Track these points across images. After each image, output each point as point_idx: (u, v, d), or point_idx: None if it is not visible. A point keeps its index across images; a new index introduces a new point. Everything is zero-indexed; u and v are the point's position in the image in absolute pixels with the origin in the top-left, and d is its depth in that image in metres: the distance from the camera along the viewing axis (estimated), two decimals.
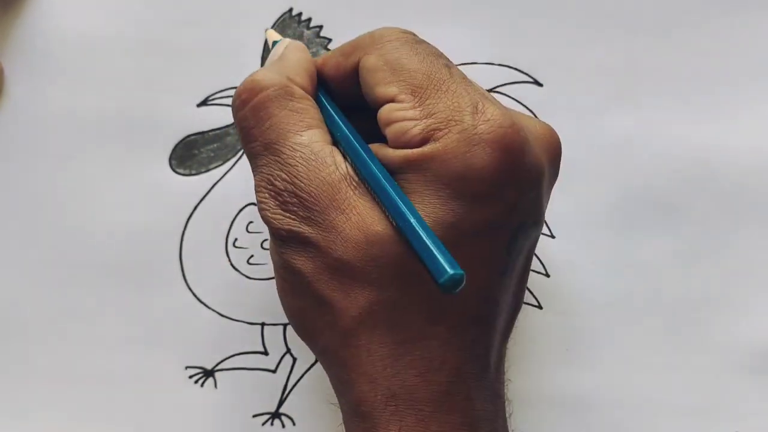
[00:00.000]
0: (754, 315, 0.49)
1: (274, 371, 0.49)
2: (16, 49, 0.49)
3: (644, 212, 0.49)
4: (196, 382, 0.49)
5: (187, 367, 0.49)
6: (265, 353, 0.49)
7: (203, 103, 0.49)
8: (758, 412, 0.49)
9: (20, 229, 0.49)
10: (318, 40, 0.49)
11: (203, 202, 0.49)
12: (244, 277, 0.49)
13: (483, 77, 0.49)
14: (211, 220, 0.49)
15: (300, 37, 0.49)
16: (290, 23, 0.49)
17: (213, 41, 0.49)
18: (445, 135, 0.37)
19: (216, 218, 0.49)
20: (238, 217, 0.49)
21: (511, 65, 0.49)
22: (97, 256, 0.49)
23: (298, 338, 0.49)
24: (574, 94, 0.49)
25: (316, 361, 0.49)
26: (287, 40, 0.44)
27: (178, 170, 0.49)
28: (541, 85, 0.49)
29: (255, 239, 0.49)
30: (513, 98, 0.49)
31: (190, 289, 0.49)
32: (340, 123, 0.40)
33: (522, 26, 0.49)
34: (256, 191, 0.40)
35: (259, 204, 0.40)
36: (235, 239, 0.49)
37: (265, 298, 0.49)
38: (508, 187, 0.37)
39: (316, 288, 0.38)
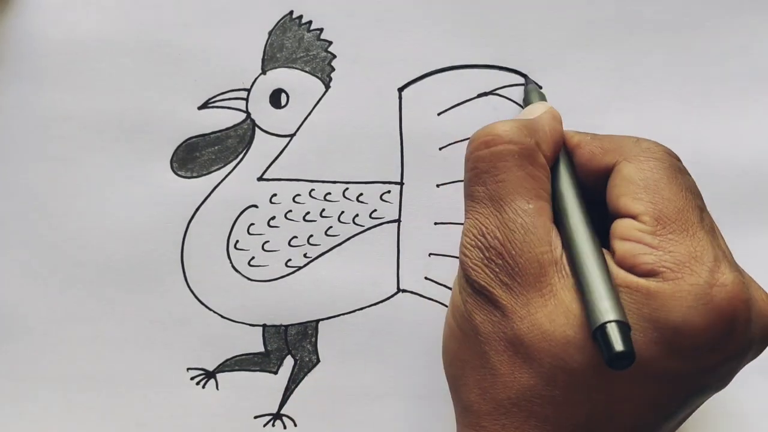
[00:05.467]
0: None
1: (275, 372, 0.49)
2: (17, 50, 0.49)
3: None
4: (197, 383, 0.49)
5: (188, 369, 0.49)
6: (267, 355, 0.49)
7: (204, 105, 0.49)
8: (765, 413, 0.49)
9: (22, 231, 0.49)
10: (318, 42, 0.49)
11: (204, 204, 0.49)
12: (245, 279, 0.49)
13: (482, 79, 0.49)
14: (212, 222, 0.49)
15: (300, 40, 0.49)
16: (291, 26, 0.49)
17: (214, 44, 0.49)
18: (676, 279, 0.36)
19: (217, 220, 0.49)
20: (240, 219, 0.49)
21: (510, 67, 0.49)
22: (98, 258, 0.49)
23: (299, 339, 0.49)
24: (572, 95, 0.49)
25: (317, 363, 0.49)
26: (547, 104, 0.45)
27: (179, 172, 0.49)
28: (540, 86, 0.49)
29: (256, 241, 0.49)
30: (512, 100, 0.49)
31: (191, 291, 0.49)
32: (577, 210, 0.40)
33: (521, 28, 0.49)
34: (464, 234, 0.40)
35: (462, 248, 0.40)
36: (237, 241, 0.49)
37: (266, 300, 0.49)
38: (712, 354, 0.37)
39: (485, 350, 0.38)
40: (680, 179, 0.39)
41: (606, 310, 0.35)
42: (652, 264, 0.37)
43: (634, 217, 0.38)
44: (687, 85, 0.50)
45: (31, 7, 0.49)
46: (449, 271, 0.49)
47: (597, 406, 0.37)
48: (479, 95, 0.49)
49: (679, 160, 0.41)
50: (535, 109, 0.44)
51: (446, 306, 0.49)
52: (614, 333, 0.35)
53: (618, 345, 0.34)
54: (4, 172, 0.49)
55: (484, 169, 0.40)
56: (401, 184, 0.49)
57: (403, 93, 0.49)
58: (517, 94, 0.49)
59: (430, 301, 0.49)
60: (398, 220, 0.49)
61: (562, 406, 0.37)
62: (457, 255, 0.49)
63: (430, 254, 0.49)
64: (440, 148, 0.49)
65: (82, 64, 0.49)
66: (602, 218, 0.40)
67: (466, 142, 0.49)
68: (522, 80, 0.49)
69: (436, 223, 0.49)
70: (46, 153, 0.49)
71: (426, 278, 0.49)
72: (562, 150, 0.42)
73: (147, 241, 0.49)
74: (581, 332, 0.36)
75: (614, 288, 0.36)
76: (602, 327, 0.35)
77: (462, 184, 0.49)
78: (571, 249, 0.38)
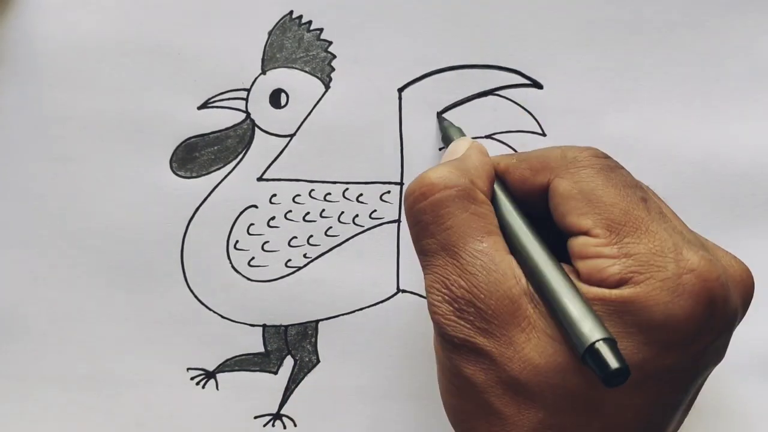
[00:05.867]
0: (756, 318, 0.49)
1: (275, 373, 0.49)
2: (17, 50, 0.49)
3: None
4: (197, 383, 0.49)
5: (188, 369, 0.49)
6: (267, 355, 0.49)
7: (204, 105, 0.49)
8: (763, 417, 0.49)
9: (22, 232, 0.49)
10: (318, 42, 0.49)
11: (204, 204, 0.49)
12: (245, 279, 0.49)
13: (482, 80, 0.49)
14: (212, 222, 0.49)
15: (300, 40, 0.49)
16: (290, 26, 0.49)
17: (213, 44, 0.49)
18: (645, 280, 0.36)
19: (217, 220, 0.49)
20: (239, 220, 0.49)
21: (511, 68, 0.49)
22: (98, 258, 0.49)
23: (299, 339, 0.49)
24: (573, 96, 0.49)
25: (317, 363, 0.49)
26: (469, 139, 0.44)
27: (179, 173, 0.49)
28: (541, 87, 0.49)
29: (256, 241, 0.49)
30: (513, 101, 0.49)
31: (191, 291, 0.49)
32: (529, 236, 0.39)
33: (520, 28, 0.49)
34: (428, 292, 0.39)
35: (431, 306, 0.39)
36: (236, 241, 0.49)
37: (266, 300, 0.49)
38: (701, 338, 0.37)
39: (486, 399, 0.38)
40: (614, 178, 0.39)
41: (588, 332, 0.35)
42: (619, 273, 0.37)
43: (585, 233, 0.38)
44: (687, 86, 0.50)
45: (31, 7, 0.49)
46: None
47: (606, 419, 0.37)
48: (479, 95, 0.49)
49: (607, 157, 0.40)
50: (459, 146, 0.44)
51: None
52: (605, 352, 0.35)
53: (612, 363, 0.34)
54: (4, 172, 0.49)
55: (429, 221, 0.39)
56: (401, 184, 0.49)
57: (403, 93, 0.49)
58: (517, 94, 0.49)
59: None
60: (398, 221, 0.49)
61: (573, 429, 0.37)
62: None
63: None
64: (440, 149, 0.49)
65: (82, 64, 0.49)
66: (554, 232, 0.40)
67: None
68: (522, 80, 0.49)
69: None
70: (46, 153, 0.49)
71: None
72: (496, 179, 0.42)
73: (147, 241, 0.49)
74: (570, 356, 0.36)
75: (589, 306, 0.36)
76: (590, 349, 0.35)
77: None
78: (535, 277, 0.38)
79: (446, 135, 0.48)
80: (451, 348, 0.38)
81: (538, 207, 0.41)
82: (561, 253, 0.39)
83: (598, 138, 0.49)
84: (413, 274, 0.49)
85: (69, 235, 0.49)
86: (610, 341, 0.35)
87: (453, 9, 0.49)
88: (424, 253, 0.40)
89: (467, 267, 0.38)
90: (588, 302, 0.36)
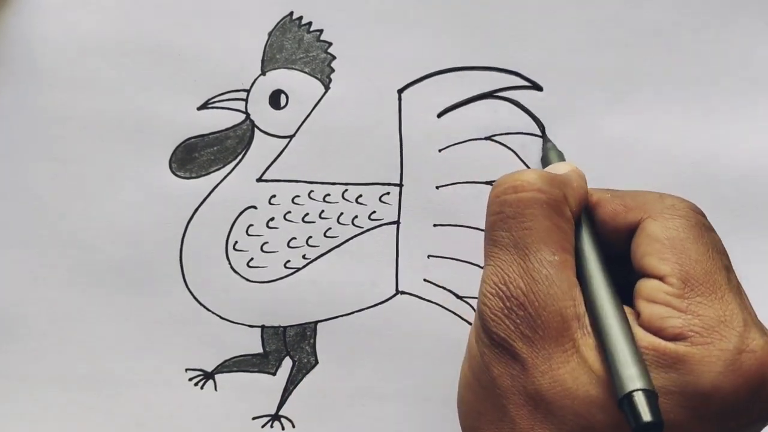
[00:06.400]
0: None
1: (273, 374, 0.49)
2: (17, 50, 0.49)
3: None
4: (196, 384, 0.49)
5: (187, 370, 0.49)
6: (265, 356, 0.49)
7: (203, 106, 0.49)
8: None
9: (21, 232, 0.49)
10: (318, 44, 0.49)
11: (203, 205, 0.49)
12: (244, 280, 0.49)
13: (482, 81, 0.49)
14: (211, 223, 0.49)
15: (300, 41, 0.49)
16: (290, 27, 0.49)
17: (213, 44, 0.49)
18: (705, 345, 0.36)
19: (216, 221, 0.49)
20: (238, 220, 0.49)
21: (511, 69, 0.49)
22: (97, 259, 0.49)
23: (298, 340, 0.49)
24: (573, 97, 0.49)
25: (315, 364, 0.49)
26: (571, 164, 0.44)
27: (178, 173, 0.49)
28: (540, 89, 0.49)
29: (255, 242, 0.49)
30: (512, 101, 0.49)
31: (190, 291, 0.49)
32: (599, 268, 0.39)
33: (520, 29, 0.49)
34: (484, 280, 0.39)
35: (482, 296, 0.39)
36: (235, 242, 0.49)
37: (264, 301, 0.49)
38: (738, 418, 0.36)
39: (504, 404, 0.37)
40: (706, 238, 0.39)
41: (632, 378, 0.35)
42: (681, 328, 0.36)
43: (660, 278, 0.38)
44: (687, 87, 0.49)
45: (31, 7, 0.49)
46: (448, 273, 0.49)
47: None
48: (479, 97, 0.49)
49: (704, 216, 0.40)
50: (560, 167, 0.44)
51: (445, 308, 0.49)
52: (642, 402, 0.34)
53: (646, 415, 0.34)
54: (4, 172, 0.49)
55: (510, 215, 0.39)
56: (400, 185, 0.49)
57: (402, 94, 0.49)
58: (517, 95, 0.49)
59: (429, 303, 0.49)
60: (397, 222, 0.49)
61: None
62: (456, 257, 0.49)
63: (429, 256, 0.49)
64: (440, 150, 0.49)
65: (82, 64, 0.49)
66: (623, 272, 0.40)
67: (466, 144, 0.49)
68: (522, 82, 0.49)
69: (435, 225, 0.49)
70: (46, 153, 0.49)
71: (425, 280, 0.49)
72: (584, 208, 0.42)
73: (146, 241, 0.49)
74: (604, 392, 0.36)
75: (639, 353, 0.36)
76: (629, 396, 0.34)
77: (462, 185, 0.49)
78: (595, 311, 0.37)
79: (546, 156, 0.48)
80: (488, 343, 0.38)
81: (616, 246, 0.41)
82: (624, 296, 0.39)
83: (598, 139, 0.49)
84: (412, 276, 0.49)
85: (69, 235, 0.49)
86: (651, 393, 0.34)
87: (453, 10, 0.49)
88: (493, 243, 0.40)
89: (532, 272, 0.38)
90: (639, 349, 0.36)
